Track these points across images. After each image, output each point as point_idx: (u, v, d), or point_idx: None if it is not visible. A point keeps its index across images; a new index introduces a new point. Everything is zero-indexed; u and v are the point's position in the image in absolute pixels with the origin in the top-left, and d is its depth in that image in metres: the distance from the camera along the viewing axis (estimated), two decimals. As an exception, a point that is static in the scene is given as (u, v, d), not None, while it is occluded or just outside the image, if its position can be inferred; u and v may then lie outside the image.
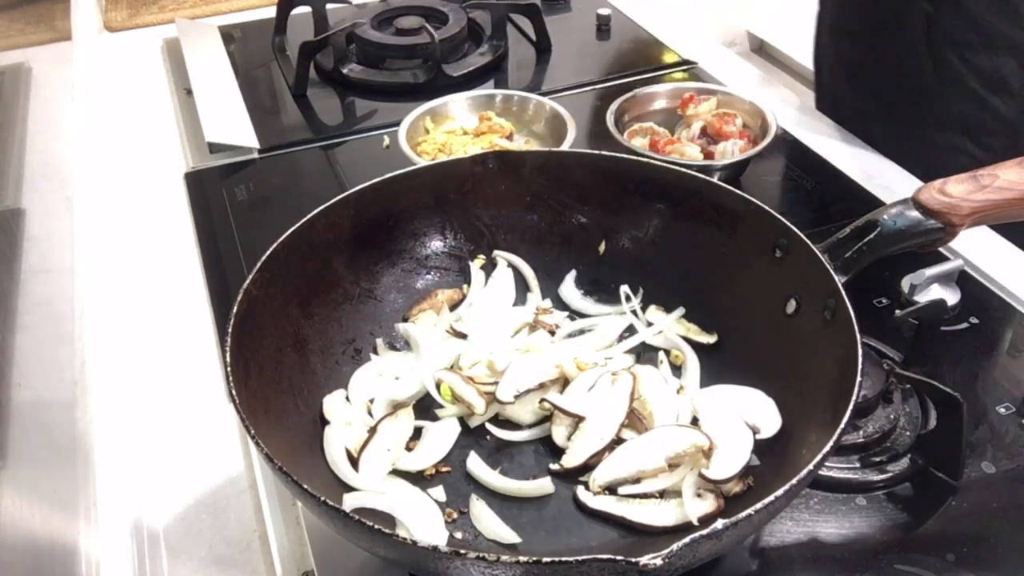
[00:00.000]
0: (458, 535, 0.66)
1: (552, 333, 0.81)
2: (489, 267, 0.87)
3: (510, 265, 0.86)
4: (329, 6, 1.39)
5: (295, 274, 0.75)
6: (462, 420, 0.74)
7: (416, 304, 0.83)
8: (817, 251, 0.71)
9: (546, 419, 0.74)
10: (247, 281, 0.69)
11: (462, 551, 0.50)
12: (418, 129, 1.11)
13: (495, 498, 0.68)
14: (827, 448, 0.56)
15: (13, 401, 0.71)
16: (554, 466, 0.70)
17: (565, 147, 1.03)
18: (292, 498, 0.72)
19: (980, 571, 0.65)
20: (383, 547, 0.55)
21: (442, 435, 0.73)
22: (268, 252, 0.72)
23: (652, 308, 0.83)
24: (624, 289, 0.83)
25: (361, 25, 1.35)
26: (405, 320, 0.82)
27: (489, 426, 0.74)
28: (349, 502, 0.65)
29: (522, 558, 0.50)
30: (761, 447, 0.68)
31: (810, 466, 0.56)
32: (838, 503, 0.70)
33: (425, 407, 0.75)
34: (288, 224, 0.74)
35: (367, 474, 0.68)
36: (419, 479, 0.70)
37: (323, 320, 0.78)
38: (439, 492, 0.69)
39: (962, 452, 0.71)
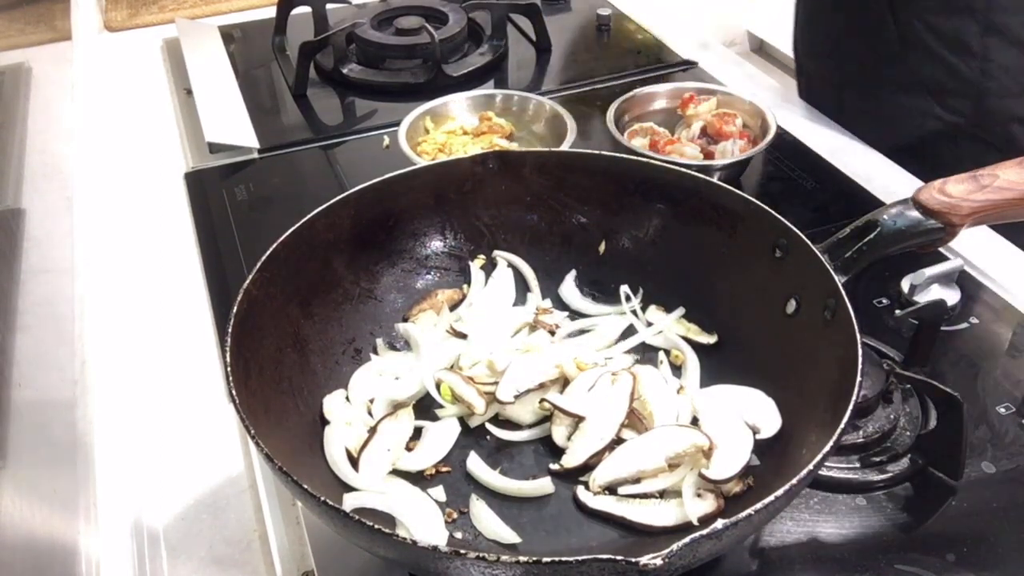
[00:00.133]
0: (458, 535, 0.66)
1: (552, 333, 0.81)
2: (489, 267, 0.87)
3: (510, 265, 0.86)
4: (329, 6, 1.40)
5: (295, 274, 0.75)
6: (462, 420, 0.74)
7: (416, 304, 0.83)
8: (817, 251, 0.71)
9: (546, 419, 0.74)
10: (247, 281, 0.69)
11: (462, 551, 0.50)
12: (418, 129, 1.11)
13: (495, 498, 0.68)
14: (827, 448, 0.56)
15: (13, 401, 0.72)
16: (554, 466, 0.70)
17: (565, 147, 1.03)
18: (292, 498, 0.72)
19: (980, 571, 0.65)
20: (383, 547, 0.55)
21: (442, 435, 0.73)
22: (268, 252, 0.72)
23: (652, 308, 0.83)
24: (624, 289, 0.83)
25: (361, 25, 1.35)
26: (405, 320, 0.82)
27: (489, 426, 0.73)
28: (349, 502, 0.65)
29: (522, 558, 0.50)
30: (761, 447, 0.68)
31: (810, 466, 0.56)
32: (838, 503, 0.70)
33: (425, 407, 0.75)
34: (288, 224, 0.74)
35: (367, 474, 0.68)
36: (419, 479, 0.70)
37: (323, 320, 0.78)
38: (439, 492, 0.69)
39: (962, 452, 0.70)
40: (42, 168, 1.09)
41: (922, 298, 0.84)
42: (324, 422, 0.72)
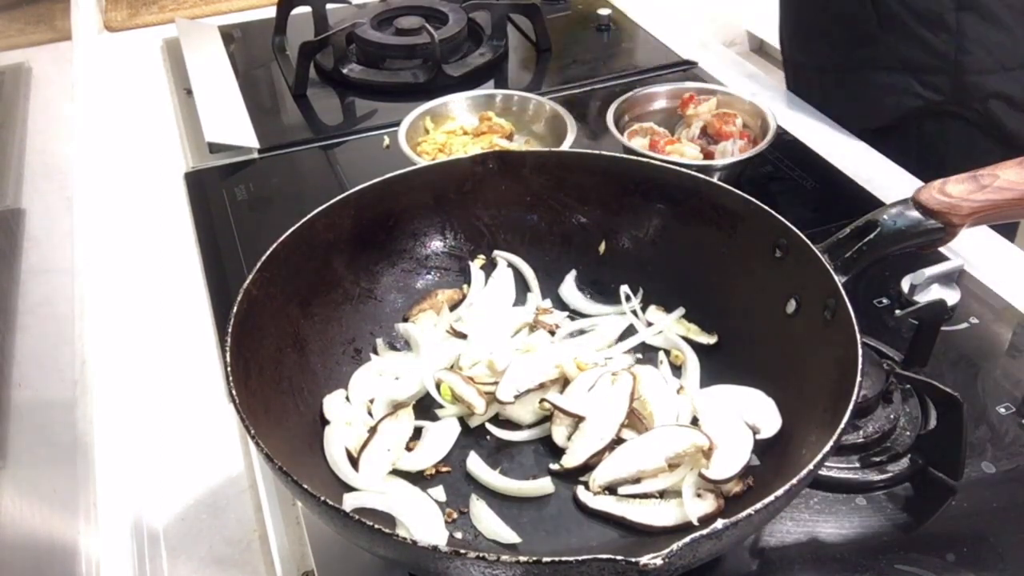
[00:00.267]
0: (458, 535, 0.66)
1: (552, 333, 0.81)
2: (489, 267, 0.87)
3: (510, 265, 0.86)
4: (329, 6, 1.39)
5: (295, 274, 0.75)
6: (462, 420, 0.74)
7: (416, 304, 0.83)
8: (817, 251, 0.71)
9: (546, 419, 0.74)
10: (247, 281, 0.69)
11: (462, 551, 0.50)
12: (418, 129, 1.11)
13: (495, 498, 0.68)
14: (827, 448, 0.56)
15: (13, 401, 0.72)
16: (554, 466, 0.70)
17: (565, 147, 1.03)
18: (292, 498, 0.72)
19: (980, 571, 0.65)
20: (383, 547, 0.55)
21: (442, 435, 0.73)
22: (268, 252, 0.72)
23: (652, 308, 0.83)
24: (624, 289, 0.83)
25: (361, 25, 1.35)
26: (405, 320, 0.82)
27: (489, 426, 0.73)
28: (349, 502, 0.65)
29: (522, 558, 0.50)
30: (761, 447, 0.68)
31: (810, 466, 0.56)
32: (838, 503, 0.70)
33: (425, 407, 0.75)
34: (288, 224, 0.74)
35: (367, 474, 0.68)
36: (419, 479, 0.70)
37: (323, 320, 0.78)
38: (439, 492, 0.69)
39: (962, 452, 0.70)
40: (42, 168, 1.09)
41: (922, 298, 0.84)
42: (324, 422, 0.72)
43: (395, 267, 0.84)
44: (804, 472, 0.55)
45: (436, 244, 0.86)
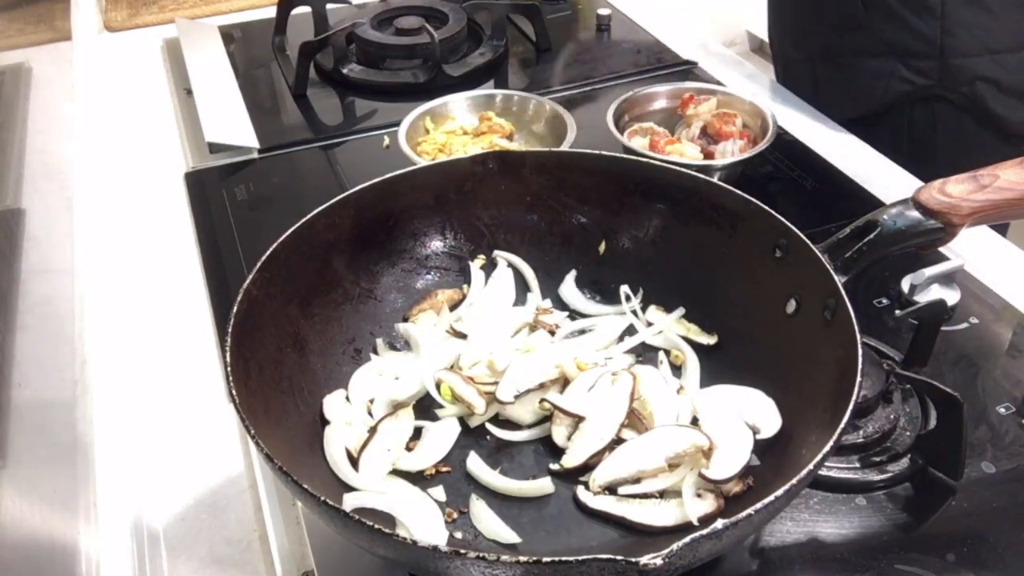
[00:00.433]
0: (458, 535, 0.66)
1: (552, 333, 0.81)
2: (489, 267, 0.87)
3: (510, 265, 0.86)
4: (329, 6, 1.39)
5: (295, 274, 0.75)
6: (462, 420, 0.74)
7: (416, 304, 0.83)
8: (817, 251, 0.71)
9: (546, 419, 0.74)
10: (247, 281, 0.69)
11: (462, 551, 0.50)
12: (418, 129, 1.11)
13: (495, 498, 0.68)
14: (827, 448, 0.56)
15: (13, 401, 0.72)
16: (554, 466, 0.70)
17: (565, 147, 1.03)
18: (292, 498, 0.72)
19: (980, 571, 0.65)
20: (383, 547, 0.55)
21: (442, 435, 0.73)
22: (268, 252, 0.72)
23: (652, 308, 0.83)
24: (624, 289, 0.83)
25: (361, 25, 1.35)
26: (405, 320, 0.82)
27: (489, 426, 0.73)
28: (349, 502, 0.65)
29: (522, 558, 0.50)
30: (761, 447, 0.68)
31: (810, 466, 0.56)
32: (838, 503, 0.70)
33: (425, 407, 0.75)
34: (288, 224, 0.74)
35: (367, 474, 0.68)
36: (419, 479, 0.70)
37: (323, 320, 0.78)
38: (439, 492, 0.69)
39: (962, 452, 0.70)
40: (42, 168, 1.09)
41: (922, 298, 0.85)
42: (324, 422, 0.72)
43: (395, 267, 0.84)
44: (804, 472, 0.55)
45: (436, 244, 0.86)
